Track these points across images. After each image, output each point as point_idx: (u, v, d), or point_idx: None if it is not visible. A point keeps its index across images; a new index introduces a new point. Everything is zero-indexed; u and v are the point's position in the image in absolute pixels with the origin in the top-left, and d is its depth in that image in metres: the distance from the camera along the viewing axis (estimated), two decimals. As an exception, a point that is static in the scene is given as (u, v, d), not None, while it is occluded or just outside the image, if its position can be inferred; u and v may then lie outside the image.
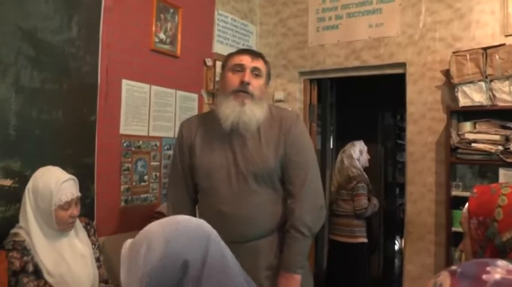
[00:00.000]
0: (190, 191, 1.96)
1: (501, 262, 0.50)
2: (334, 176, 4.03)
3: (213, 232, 0.90)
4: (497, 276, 0.48)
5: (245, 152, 1.80)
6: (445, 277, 0.50)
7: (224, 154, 1.82)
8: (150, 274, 0.77)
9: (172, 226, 0.83)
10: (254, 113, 1.77)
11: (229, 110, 1.78)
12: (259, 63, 1.83)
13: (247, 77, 1.77)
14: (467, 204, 1.10)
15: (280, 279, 1.77)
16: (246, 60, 1.80)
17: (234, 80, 1.79)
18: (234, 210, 1.77)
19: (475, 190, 1.10)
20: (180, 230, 0.83)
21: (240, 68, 1.80)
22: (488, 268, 0.49)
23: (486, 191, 1.07)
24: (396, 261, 5.76)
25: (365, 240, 3.76)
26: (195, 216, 2.05)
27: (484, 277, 0.47)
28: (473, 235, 1.05)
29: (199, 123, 1.95)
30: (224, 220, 1.77)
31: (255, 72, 1.80)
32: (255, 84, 1.79)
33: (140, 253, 0.78)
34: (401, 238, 5.10)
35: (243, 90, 1.77)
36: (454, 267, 0.51)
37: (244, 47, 3.62)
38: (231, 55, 1.89)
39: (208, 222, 1.89)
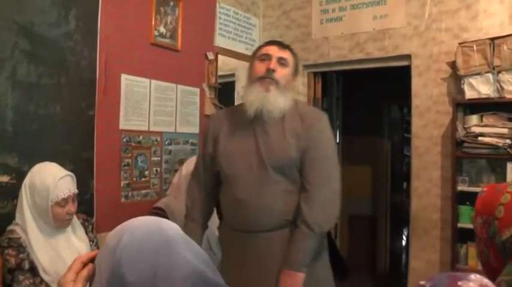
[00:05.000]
0: (208, 185, 1.99)
1: (474, 276, 0.46)
2: None
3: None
4: None
5: (267, 141, 1.82)
6: None
7: (247, 142, 1.85)
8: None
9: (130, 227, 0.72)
10: (277, 100, 1.80)
11: (253, 96, 1.82)
12: (285, 54, 1.88)
13: (273, 64, 1.82)
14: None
15: (282, 276, 1.73)
16: (272, 50, 1.86)
17: (260, 67, 1.85)
18: (252, 198, 1.79)
19: (484, 189, 1.06)
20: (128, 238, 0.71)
21: (267, 57, 1.85)
22: (460, 283, 0.45)
23: (493, 190, 1.03)
24: (404, 257, 5.69)
25: None
26: (210, 210, 2.06)
27: None
28: (479, 234, 1.02)
29: (227, 114, 2.01)
30: (242, 207, 1.80)
31: (281, 61, 1.85)
32: (281, 73, 1.84)
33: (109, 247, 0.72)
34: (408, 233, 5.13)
35: (268, 76, 1.82)
36: (423, 282, 0.47)
37: (247, 41, 3.58)
38: (259, 46, 1.97)
39: (228, 210, 1.91)
